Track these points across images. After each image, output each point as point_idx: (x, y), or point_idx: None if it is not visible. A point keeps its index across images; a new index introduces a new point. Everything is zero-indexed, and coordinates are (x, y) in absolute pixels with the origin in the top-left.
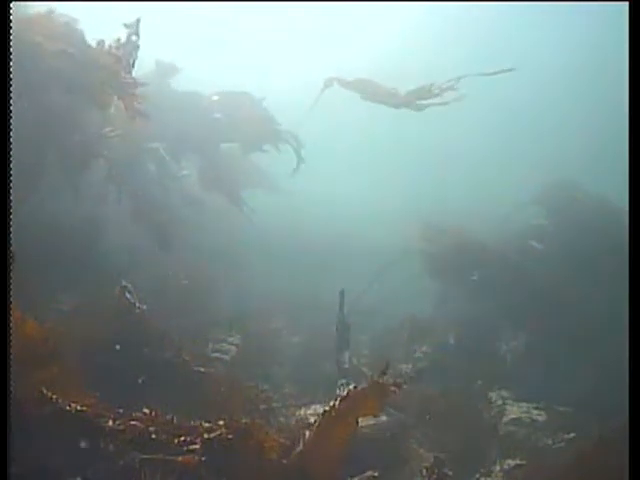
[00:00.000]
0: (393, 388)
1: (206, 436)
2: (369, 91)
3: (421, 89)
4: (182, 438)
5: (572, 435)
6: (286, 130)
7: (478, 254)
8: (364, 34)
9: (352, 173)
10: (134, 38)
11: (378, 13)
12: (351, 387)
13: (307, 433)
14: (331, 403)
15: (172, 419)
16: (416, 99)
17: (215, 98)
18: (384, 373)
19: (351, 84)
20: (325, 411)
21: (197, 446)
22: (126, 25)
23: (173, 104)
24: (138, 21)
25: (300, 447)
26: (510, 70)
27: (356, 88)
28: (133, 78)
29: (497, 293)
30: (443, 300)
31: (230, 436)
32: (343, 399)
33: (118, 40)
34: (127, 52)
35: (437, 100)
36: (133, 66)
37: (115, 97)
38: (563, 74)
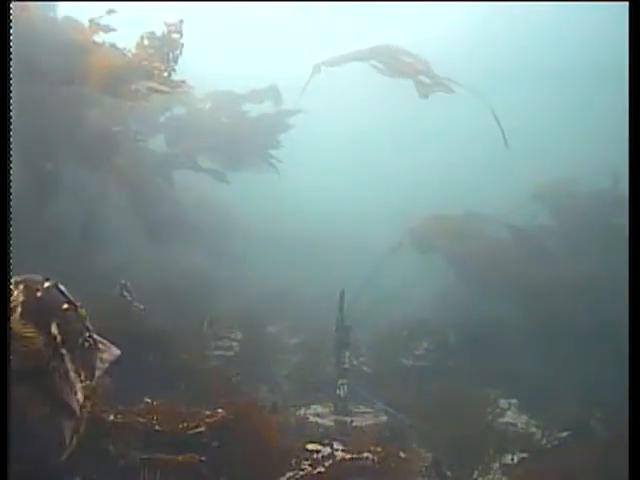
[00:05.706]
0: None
1: (208, 420)
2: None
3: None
4: (185, 424)
5: (570, 434)
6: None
7: (479, 250)
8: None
9: (352, 169)
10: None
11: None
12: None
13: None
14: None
15: (173, 408)
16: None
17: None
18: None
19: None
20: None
21: (202, 429)
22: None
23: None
24: (181, 21)
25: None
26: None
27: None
28: (169, 66)
29: (499, 290)
30: (444, 298)
31: (231, 417)
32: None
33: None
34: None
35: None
36: (176, 62)
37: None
38: (565, 73)
